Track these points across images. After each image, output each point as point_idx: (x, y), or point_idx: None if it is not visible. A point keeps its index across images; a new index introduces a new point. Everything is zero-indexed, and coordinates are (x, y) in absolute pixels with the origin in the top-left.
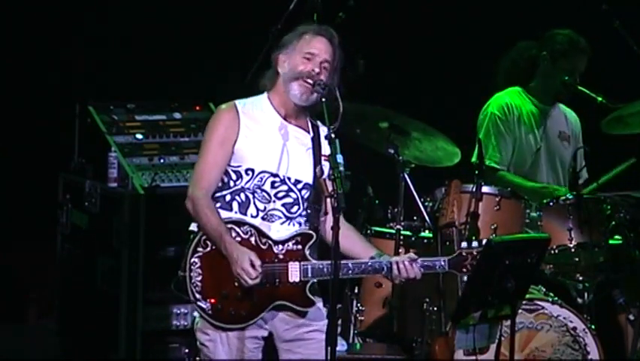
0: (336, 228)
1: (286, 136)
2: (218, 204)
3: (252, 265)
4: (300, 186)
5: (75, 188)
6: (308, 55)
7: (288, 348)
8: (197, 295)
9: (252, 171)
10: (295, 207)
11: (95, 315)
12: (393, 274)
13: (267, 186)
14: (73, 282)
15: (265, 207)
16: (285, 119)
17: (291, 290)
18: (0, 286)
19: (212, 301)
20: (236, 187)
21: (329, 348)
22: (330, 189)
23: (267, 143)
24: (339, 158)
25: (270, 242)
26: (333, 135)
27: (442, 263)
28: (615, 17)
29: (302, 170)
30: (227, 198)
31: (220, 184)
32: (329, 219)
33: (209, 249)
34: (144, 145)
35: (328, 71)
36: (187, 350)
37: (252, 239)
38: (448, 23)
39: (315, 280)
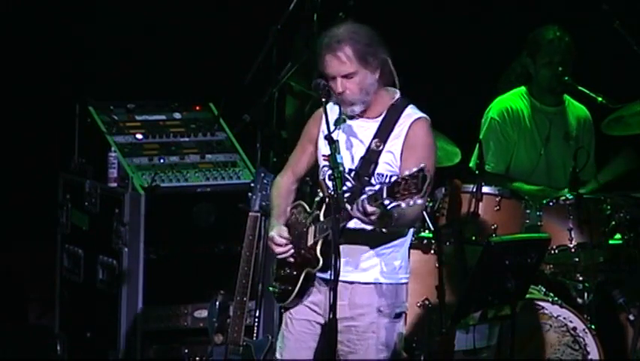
0: (336, 228)
1: (347, 131)
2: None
3: (280, 236)
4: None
5: (75, 188)
6: (328, 76)
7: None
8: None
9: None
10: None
11: (95, 315)
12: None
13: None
14: (73, 282)
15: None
16: (351, 117)
17: (310, 255)
18: (0, 286)
19: (276, 282)
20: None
21: (329, 348)
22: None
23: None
24: (339, 158)
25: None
26: (333, 136)
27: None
28: (615, 17)
29: (348, 159)
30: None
31: None
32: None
33: None
34: (144, 145)
35: (352, 77)
36: (187, 350)
37: (300, 217)
38: (448, 23)
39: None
